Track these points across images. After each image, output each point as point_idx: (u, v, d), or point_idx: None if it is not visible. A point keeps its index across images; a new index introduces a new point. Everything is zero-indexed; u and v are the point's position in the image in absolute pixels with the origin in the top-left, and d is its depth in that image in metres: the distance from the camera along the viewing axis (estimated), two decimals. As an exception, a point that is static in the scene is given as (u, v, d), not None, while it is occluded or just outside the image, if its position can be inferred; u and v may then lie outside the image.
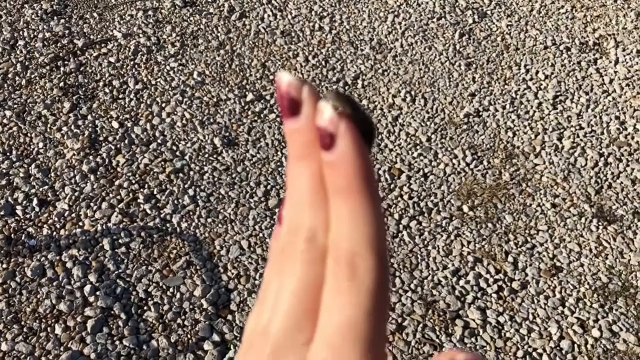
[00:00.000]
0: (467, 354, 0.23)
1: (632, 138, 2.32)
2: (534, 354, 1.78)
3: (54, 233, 1.96)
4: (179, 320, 1.80)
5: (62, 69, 2.40)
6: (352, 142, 0.25)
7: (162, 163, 2.15)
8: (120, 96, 2.34)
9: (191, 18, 2.63)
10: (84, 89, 2.35)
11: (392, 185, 2.15)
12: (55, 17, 2.57)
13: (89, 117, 2.26)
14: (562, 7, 2.78)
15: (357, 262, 0.25)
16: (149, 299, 1.84)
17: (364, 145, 0.25)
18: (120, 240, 1.95)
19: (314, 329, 0.25)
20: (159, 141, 2.21)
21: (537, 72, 2.52)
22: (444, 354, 0.24)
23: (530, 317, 1.85)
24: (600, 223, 2.07)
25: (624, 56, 2.58)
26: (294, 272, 0.26)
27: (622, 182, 2.19)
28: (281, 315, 0.26)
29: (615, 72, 2.53)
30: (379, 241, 0.25)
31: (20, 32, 2.51)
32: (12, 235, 1.96)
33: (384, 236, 0.26)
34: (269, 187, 2.11)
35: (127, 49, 2.49)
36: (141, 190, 2.07)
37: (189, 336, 1.78)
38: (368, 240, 0.25)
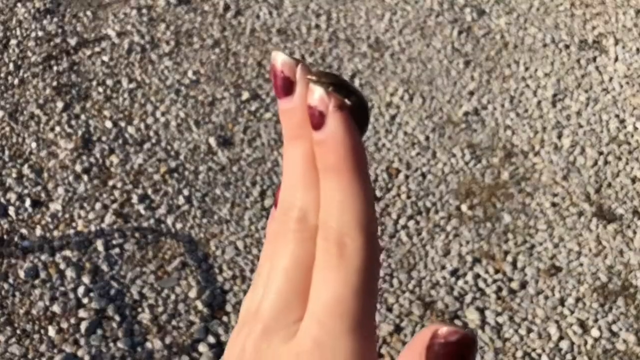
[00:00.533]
0: (451, 328, 0.23)
1: (632, 136, 2.30)
2: (533, 354, 1.76)
3: (47, 234, 1.94)
4: (173, 322, 1.78)
5: (55, 68, 2.37)
6: (341, 120, 0.25)
7: (157, 163, 2.13)
8: (114, 95, 2.32)
9: (186, 16, 2.60)
10: (77, 88, 2.32)
11: (390, 185, 2.13)
12: (48, 16, 2.54)
13: (82, 116, 2.24)
14: (561, 4, 2.76)
15: (346, 241, 0.25)
16: (144, 300, 1.81)
17: (353, 124, 0.25)
18: (114, 241, 1.93)
19: (305, 307, 0.25)
20: (153, 141, 2.19)
21: (536, 70, 2.50)
22: (427, 328, 0.23)
23: (530, 317, 1.83)
24: (599, 222, 2.05)
25: (624, 54, 2.56)
26: (285, 251, 0.26)
27: (621, 181, 2.17)
28: (272, 294, 0.26)
29: (615, 70, 2.51)
30: (368, 220, 0.25)
31: (13, 31, 2.49)
32: (5, 237, 1.93)
33: (373, 215, 0.26)
34: (265, 187, 2.09)
35: (121, 47, 2.47)
36: (135, 190, 2.05)
37: (183, 338, 1.75)
38: (357, 219, 0.25)
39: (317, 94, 0.25)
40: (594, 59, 2.56)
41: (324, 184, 0.26)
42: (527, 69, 2.51)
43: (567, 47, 2.60)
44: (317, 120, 0.25)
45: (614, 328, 1.81)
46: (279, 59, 0.26)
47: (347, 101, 0.26)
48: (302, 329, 0.25)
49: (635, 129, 2.32)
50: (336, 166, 0.25)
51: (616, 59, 2.55)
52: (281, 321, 0.26)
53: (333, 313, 0.24)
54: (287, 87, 0.26)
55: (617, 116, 2.36)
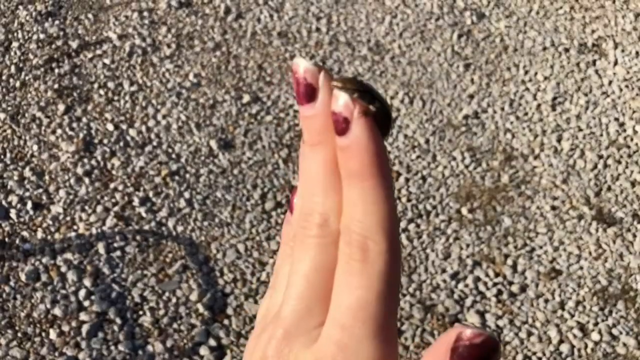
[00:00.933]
0: (475, 330, 0.23)
1: (632, 140, 2.31)
2: (534, 358, 1.77)
3: (49, 237, 1.94)
4: (174, 325, 1.78)
5: (56, 70, 2.38)
6: (366, 126, 0.25)
7: (158, 166, 2.13)
8: (115, 98, 2.32)
9: (187, 19, 2.61)
10: (78, 91, 2.33)
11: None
12: (49, 19, 2.55)
13: (84, 119, 2.24)
14: (561, 7, 2.77)
15: (369, 245, 0.25)
16: (145, 303, 1.82)
17: (377, 129, 0.26)
18: (115, 244, 1.93)
19: (326, 312, 0.26)
20: (154, 144, 2.19)
21: (536, 73, 2.51)
22: (452, 330, 0.23)
23: (530, 320, 1.84)
24: (599, 225, 2.06)
25: (623, 57, 2.57)
26: (306, 256, 0.26)
27: (621, 185, 2.18)
28: (293, 298, 0.26)
29: (615, 73, 2.52)
30: (391, 225, 0.25)
31: (15, 34, 2.49)
32: (6, 239, 1.93)
33: (396, 220, 0.26)
34: (265, 190, 2.10)
35: (122, 50, 2.47)
36: (136, 193, 2.05)
37: (184, 341, 1.76)
38: (380, 223, 0.25)
39: (342, 100, 0.25)
40: (594, 62, 2.57)
41: (347, 190, 0.26)
42: (526, 72, 2.52)
43: (566, 50, 2.61)
44: (342, 126, 0.25)
45: (614, 332, 1.81)
46: (302, 66, 0.26)
47: (371, 107, 0.26)
48: (324, 334, 0.25)
49: (635, 132, 2.33)
50: (360, 172, 0.25)
51: (616, 63, 2.56)
52: (302, 326, 0.26)
53: (356, 318, 0.25)
54: (310, 93, 0.26)
55: (616, 119, 2.37)
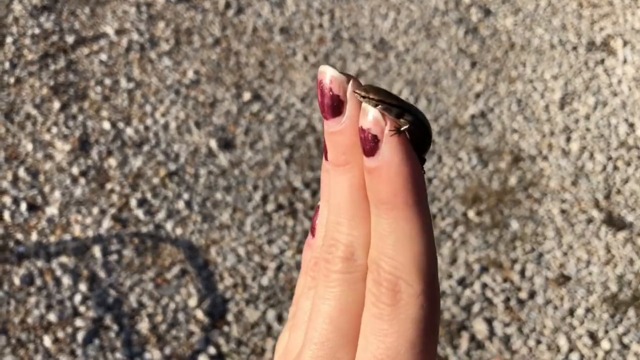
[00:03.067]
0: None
1: (641, 141, 2.25)
2: (542, 367, 1.72)
3: (43, 239, 1.88)
4: (173, 332, 1.73)
5: (52, 67, 2.31)
6: (399, 146, 0.22)
7: (156, 166, 2.07)
8: (112, 95, 2.26)
9: (186, 14, 2.54)
10: (74, 87, 2.27)
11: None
12: (45, 13, 2.48)
13: (80, 117, 2.18)
14: (568, 4, 2.71)
15: (401, 286, 0.22)
16: (142, 309, 1.77)
17: (412, 150, 0.23)
18: (111, 247, 1.87)
19: (352, 358, 0.23)
20: (152, 143, 2.13)
21: (544, 72, 2.45)
22: None
23: (538, 328, 1.79)
24: (609, 230, 2.01)
25: (632, 56, 2.51)
26: (330, 295, 0.24)
27: (631, 187, 2.12)
28: (315, 343, 0.23)
29: (624, 72, 2.46)
30: (428, 263, 0.23)
31: (9, 28, 2.42)
32: (0, 242, 1.88)
33: (433, 257, 0.23)
34: (267, 191, 2.04)
35: (120, 46, 2.41)
36: (134, 194, 1.99)
37: (183, 348, 1.71)
38: (414, 261, 0.22)
39: (371, 115, 0.22)
40: (602, 61, 2.51)
41: (377, 219, 0.23)
42: (534, 70, 2.46)
43: (574, 48, 2.55)
44: (371, 145, 0.22)
45: (625, 340, 1.76)
46: (328, 75, 0.23)
47: (404, 122, 0.23)
48: None
49: (645, 133, 2.27)
50: (391, 199, 0.22)
51: (625, 61, 2.50)
52: None
53: None
54: (336, 106, 0.23)
55: (626, 120, 2.31)
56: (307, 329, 0.24)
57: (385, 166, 0.22)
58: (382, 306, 0.22)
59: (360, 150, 0.23)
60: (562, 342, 1.76)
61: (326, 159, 0.24)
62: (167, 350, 1.69)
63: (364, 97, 0.23)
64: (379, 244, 0.23)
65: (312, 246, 0.26)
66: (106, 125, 2.16)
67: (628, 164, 2.19)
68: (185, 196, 2.00)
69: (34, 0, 2.51)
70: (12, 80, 2.27)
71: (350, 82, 0.23)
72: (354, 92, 0.23)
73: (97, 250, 1.86)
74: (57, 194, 1.98)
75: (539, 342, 1.76)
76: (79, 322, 1.72)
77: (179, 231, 1.92)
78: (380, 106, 0.23)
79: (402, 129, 0.22)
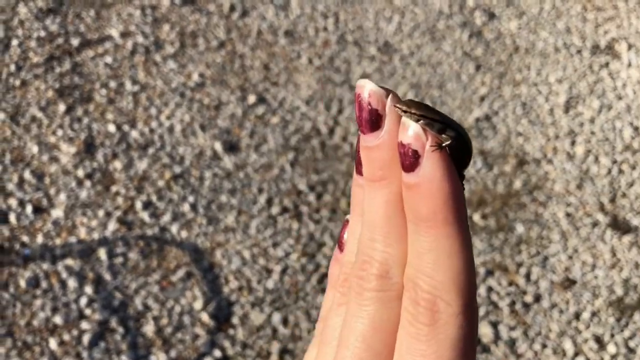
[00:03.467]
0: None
1: (646, 144, 2.25)
2: (548, 371, 1.72)
3: (49, 242, 1.88)
4: (178, 335, 1.73)
5: (57, 69, 2.32)
6: (440, 162, 0.22)
7: (161, 169, 2.07)
8: (117, 98, 2.26)
9: (190, 17, 2.55)
10: (79, 90, 2.27)
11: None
12: (50, 16, 2.49)
13: (85, 119, 2.18)
14: (572, 8, 2.71)
15: (440, 306, 0.22)
16: (148, 311, 1.77)
17: (453, 166, 0.22)
18: (117, 250, 1.88)
19: None
20: (157, 145, 2.13)
21: (548, 75, 2.45)
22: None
23: (544, 332, 1.79)
24: (614, 233, 2.01)
25: (637, 59, 2.51)
26: (363, 312, 0.23)
27: (636, 191, 2.12)
28: None
29: (628, 76, 2.46)
30: (467, 282, 0.22)
31: (15, 31, 2.43)
32: (6, 244, 1.88)
33: (472, 276, 0.23)
34: (272, 194, 2.04)
35: (125, 48, 2.41)
36: (139, 197, 1.99)
37: (189, 351, 1.71)
38: (454, 280, 0.22)
39: (412, 130, 0.22)
40: (607, 64, 2.51)
41: (415, 237, 0.22)
42: (538, 74, 2.46)
43: (579, 52, 2.55)
44: (411, 161, 0.22)
45: (631, 344, 1.76)
46: (367, 88, 0.23)
47: (446, 137, 0.22)
48: None
49: (650, 137, 2.27)
50: (431, 217, 0.22)
51: (629, 65, 2.50)
52: None
53: None
54: (375, 121, 0.23)
55: (630, 124, 2.31)
56: (338, 347, 0.23)
57: (426, 182, 0.22)
58: (419, 326, 0.22)
59: (398, 166, 0.23)
60: (568, 346, 1.76)
61: (359, 173, 0.24)
62: (173, 353, 1.69)
63: (405, 111, 0.23)
64: (417, 262, 0.22)
65: (341, 261, 0.26)
66: (111, 127, 2.17)
67: (633, 167, 2.19)
68: (191, 199, 2.00)
69: (39, 3, 2.51)
70: (17, 82, 2.27)
71: (390, 96, 0.23)
72: (394, 107, 0.23)
73: (102, 253, 1.86)
74: (62, 196, 1.98)
75: (544, 346, 1.76)
76: (84, 325, 1.72)
77: (184, 234, 1.92)
78: (422, 121, 0.22)
79: (443, 144, 0.22)
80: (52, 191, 1.99)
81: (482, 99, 2.36)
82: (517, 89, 2.41)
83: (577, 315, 1.82)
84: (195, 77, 2.34)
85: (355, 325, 0.23)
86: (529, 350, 1.75)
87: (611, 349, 1.75)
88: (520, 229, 2.01)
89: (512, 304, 1.84)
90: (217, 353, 1.70)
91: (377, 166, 0.23)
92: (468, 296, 0.22)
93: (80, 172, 2.04)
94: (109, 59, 2.37)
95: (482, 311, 1.82)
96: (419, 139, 0.22)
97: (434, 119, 0.22)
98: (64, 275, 1.81)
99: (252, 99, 2.29)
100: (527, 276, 1.90)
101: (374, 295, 0.23)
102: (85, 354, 1.68)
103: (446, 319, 0.22)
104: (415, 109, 0.22)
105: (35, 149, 2.09)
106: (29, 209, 1.94)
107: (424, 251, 0.22)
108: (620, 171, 2.17)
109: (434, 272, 0.22)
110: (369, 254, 0.24)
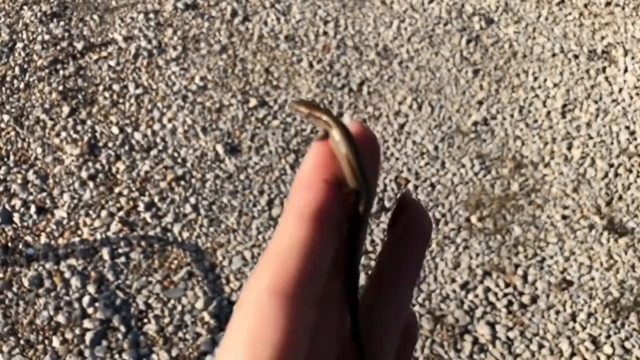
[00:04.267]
0: None
1: (642, 148, 2.28)
2: (545, 370, 1.74)
3: (52, 242, 1.91)
4: (180, 334, 1.75)
5: (61, 72, 2.35)
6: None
7: (163, 170, 2.10)
8: (120, 101, 2.29)
9: (193, 21, 2.58)
10: (83, 93, 2.30)
11: (399, 195, 2.10)
12: (54, 19, 2.52)
13: (88, 122, 2.21)
14: (570, 13, 2.74)
15: None
16: (150, 311, 1.79)
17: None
18: (119, 250, 1.90)
19: None
20: (159, 147, 2.16)
21: (545, 80, 2.48)
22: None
23: (541, 332, 1.81)
24: (610, 236, 2.03)
25: (633, 64, 2.54)
26: None
27: (632, 194, 2.15)
28: None
29: (625, 81, 2.49)
30: None
31: (19, 35, 2.46)
32: (9, 244, 1.90)
33: None
34: (272, 195, 2.07)
35: (128, 52, 2.44)
36: (141, 198, 2.02)
37: (190, 350, 1.73)
38: None
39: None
40: (604, 69, 2.54)
41: None
42: (536, 78, 2.49)
43: (576, 57, 2.58)
44: None
45: (627, 345, 1.78)
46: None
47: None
48: None
49: (646, 141, 2.30)
50: None
51: (625, 70, 2.53)
52: None
53: None
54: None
55: (627, 128, 2.34)
56: None
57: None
58: None
59: None
60: (565, 346, 1.78)
61: None
62: (174, 352, 1.72)
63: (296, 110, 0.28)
64: None
65: None
66: (114, 130, 2.20)
67: (630, 171, 2.21)
68: (192, 200, 2.02)
69: (43, 7, 2.55)
70: (22, 85, 2.30)
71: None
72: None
73: (105, 253, 1.88)
74: (66, 197, 2.00)
75: (541, 346, 1.78)
76: (87, 324, 1.74)
77: (185, 234, 1.94)
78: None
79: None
80: (55, 192, 2.02)
81: (480, 103, 2.39)
82: (514, 93, 2.44)
83: (574, 316, 1.84)
84: (198, 80, 2.37)
85: None
86: (526, 351, 1.77)
87: (607, 349, 1.77)
88: (517, 231, 2.03)
89: (510, 304, 1.86)
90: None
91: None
92: None
93: (84, 174, 2.06)
94: (112, 63, 2.40)
95: (479, 312, 1.84)
96: None
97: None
98: (67, 274, 1.83)
99: (253, 102, 2.32)
100: (525, 277, 1.92)
101: None
102: (87, 353, 1.70)
103: None
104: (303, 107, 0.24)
105: (39, 150, 2.12)
106: (32, 209, 1.97)
107: None
108: (617, 174, 2.20)
109: None
110: None
